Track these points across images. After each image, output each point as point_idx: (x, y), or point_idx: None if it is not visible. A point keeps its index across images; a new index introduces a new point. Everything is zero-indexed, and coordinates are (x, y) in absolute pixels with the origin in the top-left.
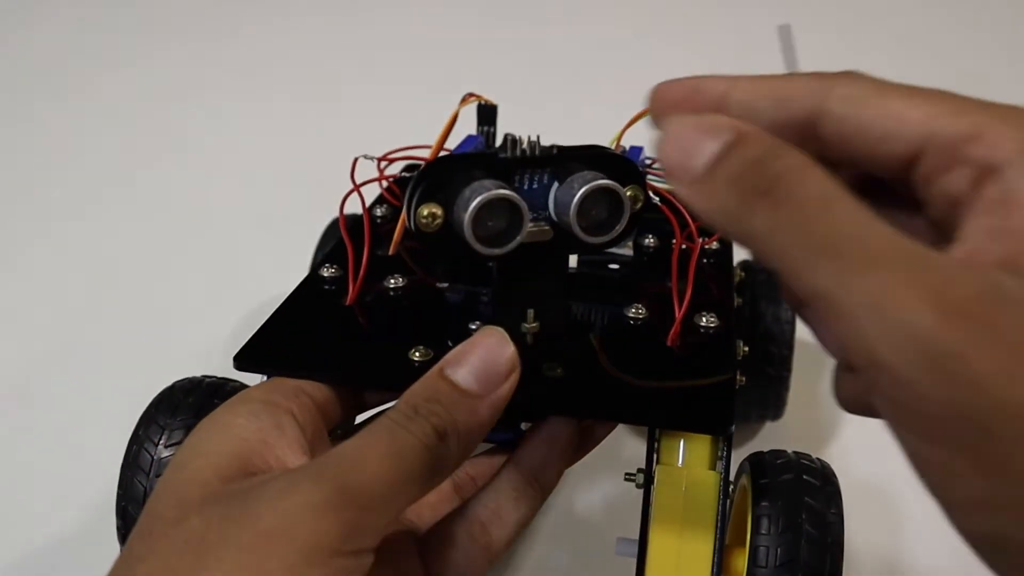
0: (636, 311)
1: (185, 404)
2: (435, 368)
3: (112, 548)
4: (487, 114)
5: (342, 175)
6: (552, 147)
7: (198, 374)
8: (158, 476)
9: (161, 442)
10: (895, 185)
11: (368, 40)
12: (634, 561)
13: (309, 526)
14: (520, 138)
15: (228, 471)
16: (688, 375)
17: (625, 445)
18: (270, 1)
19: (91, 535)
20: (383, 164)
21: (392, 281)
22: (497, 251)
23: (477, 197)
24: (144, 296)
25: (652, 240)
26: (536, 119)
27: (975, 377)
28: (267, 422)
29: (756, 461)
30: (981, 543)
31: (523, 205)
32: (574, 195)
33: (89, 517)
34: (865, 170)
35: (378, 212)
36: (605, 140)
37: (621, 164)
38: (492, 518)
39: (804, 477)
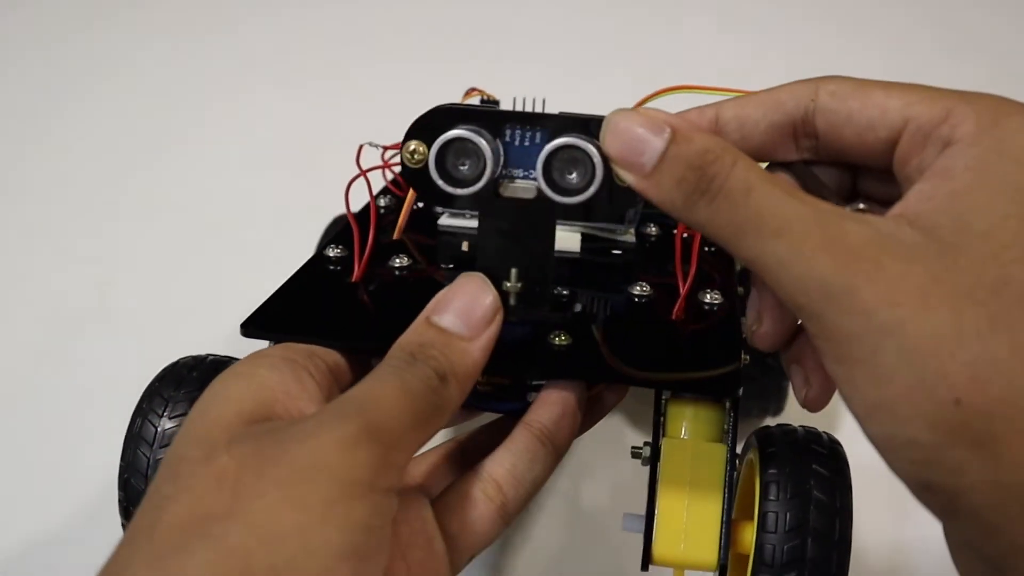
0: (641, 289)
1: (189, 378)
2: (421, 316)
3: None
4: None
5: (347, 167)
6: (561, 113)
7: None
8: (163, 447)
9: (165, 414)
10: (882, 176)
11: (371, 29)
12: (640, 537)
13: (344, 461)
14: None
15: (253, 416)
16: (694, 345)
17: (626, 434)
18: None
19: (93, 510)
20: (387, 153)
21: (398, 261)
22: (460, 191)
23: (445, 135)
24: (149, 289)
25: (654, 229)
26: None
27: (864, 305)
28: (288, 375)
29: (764, 434)
30: (880, 444)
31: (486, 149)
32: (533, 162)
33: (92, 492)
34: (855, 159)
35: (382, 203)
36: None
37: None
38: (507, 477)
39: (812, 446)
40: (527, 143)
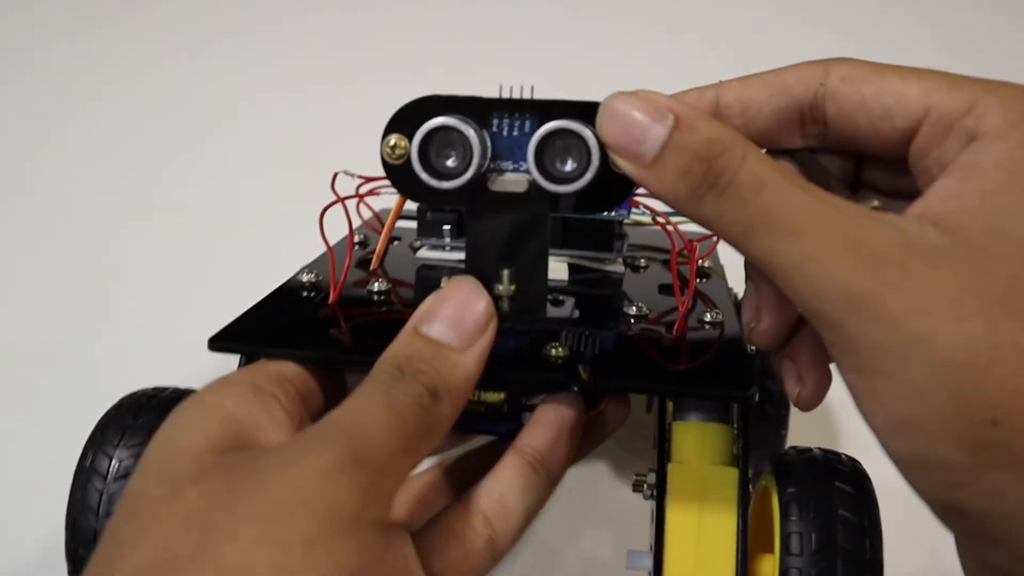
0: (638, 308)
1: (148, 407)
2: (408, 326)
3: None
4: None
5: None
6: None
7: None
8: (119, 480)
9: (121, 444)
10: (890, 166)
11: (368, 37)
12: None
13: (327, 492)
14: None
15: (221, 446)
16: (699, 352)
17: (627, 462)
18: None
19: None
20: (361, 186)
21: (376, 285)
22: (446, 185)
23: (429, 123)
24: (124, 302)
25: (644, 261)
26: None
27: (891, 314)
28: (255, 404)
29: (779, 458)
30: (904, 463)
31: (473, 137)
32: (523, 152)
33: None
34: (865, 149)
35: (358, 238)
36: None
37: None
38: (496, 509)
39: (832, 464)
40: (516, 132)
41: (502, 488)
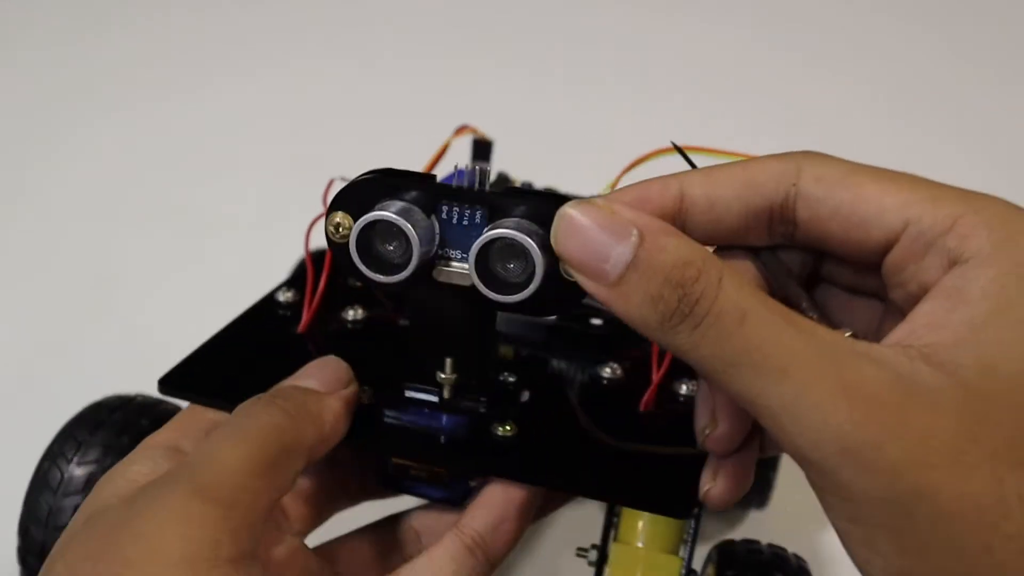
0: (612, 372)
1: (110, 421)
2: (280, 385)
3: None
4: (481, 150)
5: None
6: (507, 188)
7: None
8: (68, 496)
9: (75, 460)
10: (856, 266)
11: (367, 52)
12: None
13: (176, 540)
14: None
15: (103, 507)
16: (655, 446)
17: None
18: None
19: None
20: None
21: (351, 313)
22: (383, 278)
23: (368, 215)
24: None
25: None
26: (543, 158)
27: (891, 465)
28: (165, 467)
29: (726, 551)
30: None
31: (413, 235)
32: (460, 266)
33: None
34: (836, 253)
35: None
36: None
37: None
38: None
39: (775, 571)
40: (465, 222)
41: (433, 570)
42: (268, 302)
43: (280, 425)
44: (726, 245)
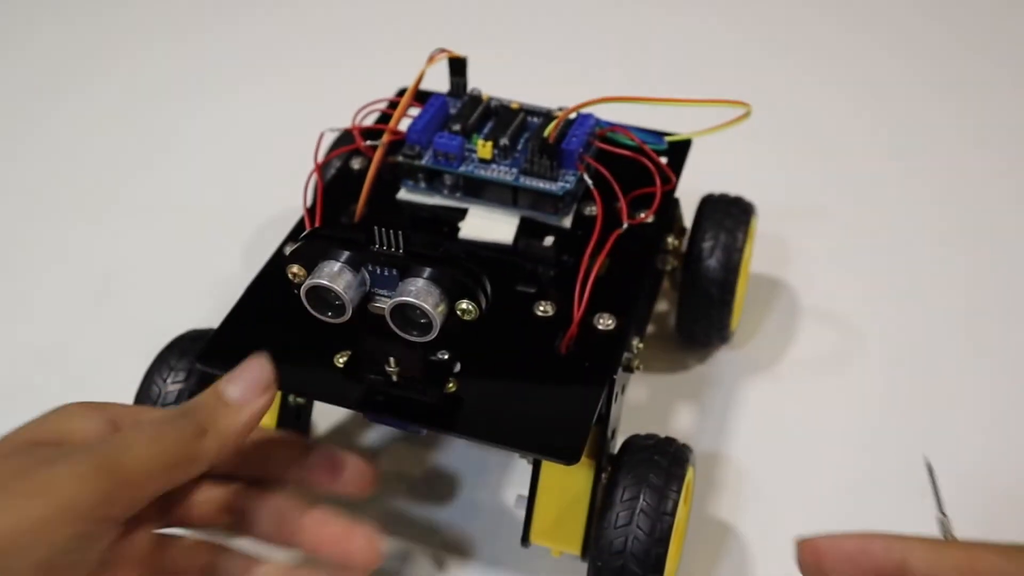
0: (544, 310)
1: (193, 349)
2: (217, 382)
3: None
4: (457, 67)
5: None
6: (410, 250)
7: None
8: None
9: (168, 380)
10: None
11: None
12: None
13: (67, 489)
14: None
15: (37, 440)
16: (559, 398)
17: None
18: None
19: None
20: (357, 117)
21: None
22: (332, 319)
23: (309, 280)
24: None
25: (593, 210)
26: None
27: None
28: (103, 426)
29: (629, 440)
30: None
31: (344, 296)
32: (386, 304)
33: None
34: None
35: (355, 166)
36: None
37: (465, 274)
38: None
39: (655, 457)
40: (387, 274)
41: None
42: (279, 257)
43: (187, 439)
44: None
